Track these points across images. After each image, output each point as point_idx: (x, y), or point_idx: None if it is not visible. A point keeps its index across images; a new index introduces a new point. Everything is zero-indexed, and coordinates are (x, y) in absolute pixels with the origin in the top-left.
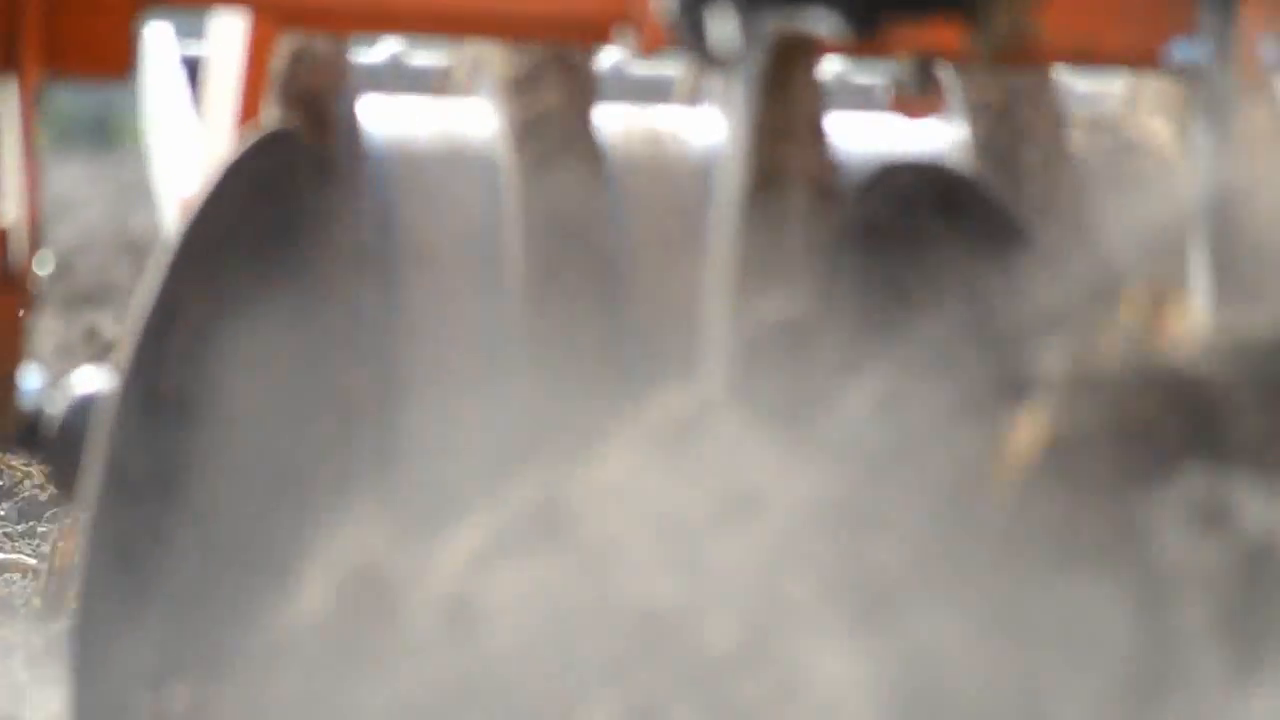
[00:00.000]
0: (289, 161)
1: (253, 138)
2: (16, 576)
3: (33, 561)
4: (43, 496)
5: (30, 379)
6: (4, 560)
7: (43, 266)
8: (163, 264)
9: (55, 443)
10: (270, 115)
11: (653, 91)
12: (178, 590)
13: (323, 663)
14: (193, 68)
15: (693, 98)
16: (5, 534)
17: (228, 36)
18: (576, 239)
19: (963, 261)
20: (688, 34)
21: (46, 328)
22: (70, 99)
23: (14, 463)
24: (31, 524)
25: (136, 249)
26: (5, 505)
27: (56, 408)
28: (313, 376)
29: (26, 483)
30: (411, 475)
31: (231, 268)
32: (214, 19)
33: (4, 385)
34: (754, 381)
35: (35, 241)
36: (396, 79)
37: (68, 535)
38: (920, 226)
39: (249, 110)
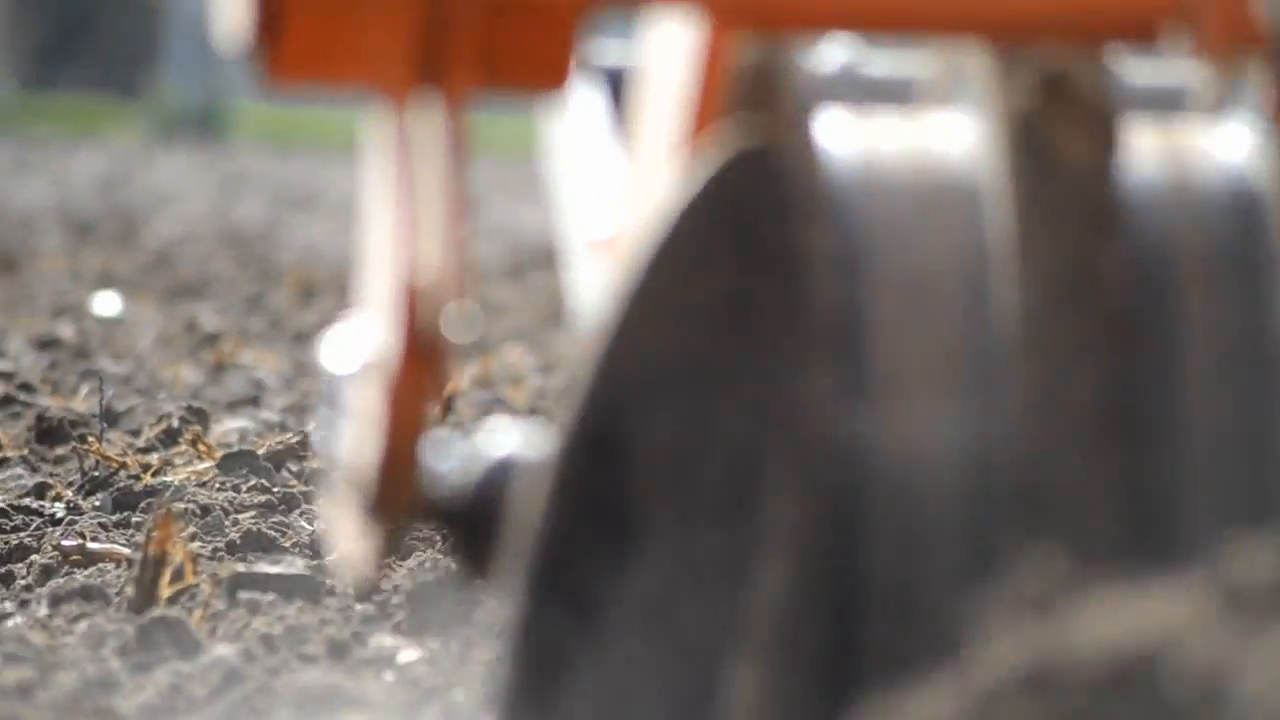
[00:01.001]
0: (762, 193)
1: (718, 164)
2: (110, 566)
3: (127, 551)
4: (137, 487)
5: (437, 453)
6: (98, 549)
7: (464, 330)
8: (614, 313)
9: (465, 518)
10: (728, 136)
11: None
12: (628, 686)
13: None
14: (614, 81)
15: (1217, 108)
16: (100, 524)
17: (666, 44)
18: (1088, 289)
19: None
20: None
21: (146, 319)
22: (174, 90)
23: (109, 453)
24: (126, 514)
25: (237, 241)
26: (100, 495)
27: (465, 476)
28: (772, 443)
29: (122, 473)
30: (883, 578)
31: (693, 317)
32: (647, 24)
33: (402, 462)
34: None
35: (454, 299)
36: (848, 91)
37: (161, 524)
38: None
39: (696, 130)
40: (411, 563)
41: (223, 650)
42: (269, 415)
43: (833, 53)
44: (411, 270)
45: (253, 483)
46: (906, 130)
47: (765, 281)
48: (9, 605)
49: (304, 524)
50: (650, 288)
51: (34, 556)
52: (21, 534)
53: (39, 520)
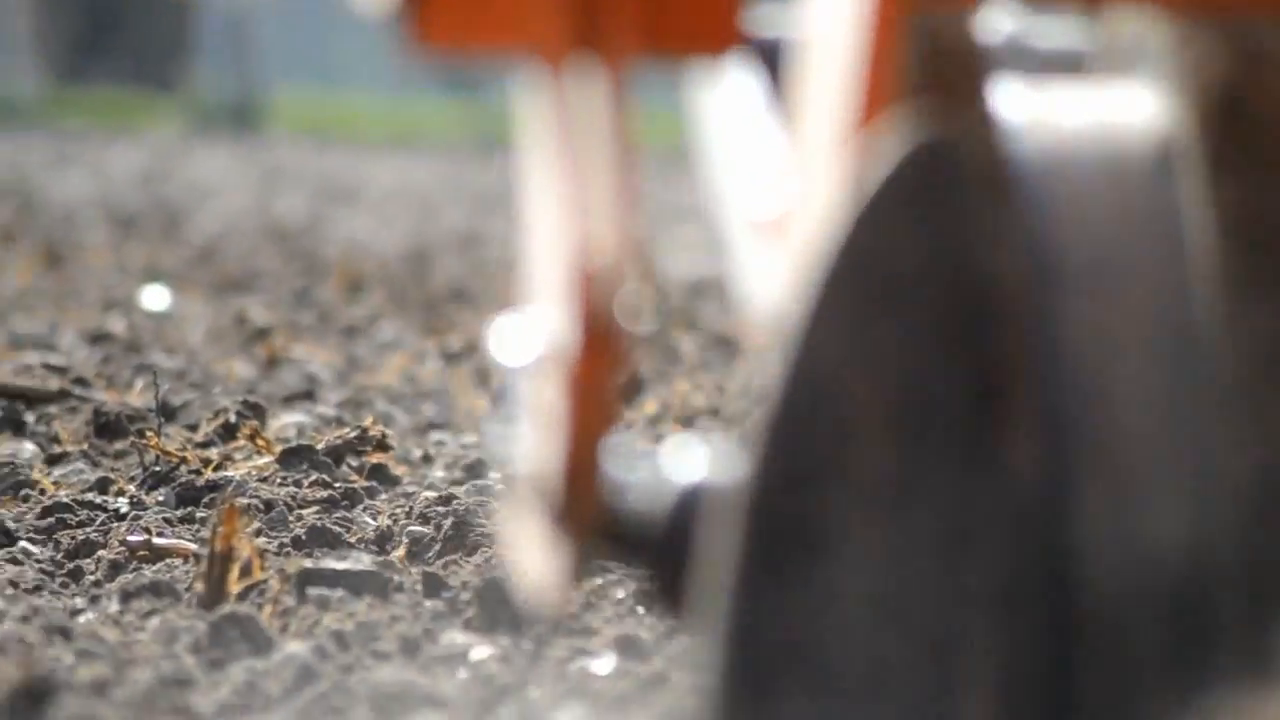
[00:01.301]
0: (949, 189)
1: (900, 156)
2: (178, 561)
3: (193, 546)
4: (199, 482)
5: (619, 462)
6: (164, 545)
7: (639, 315)
8: (800, 323)
9: (656, 545)
10: (908, 122)
11: None
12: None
13: None
14: (770, 51)
15: None
16: (165, 519)
17: (831, 12)
18: None
19: None
20: None
21: (195, 314)
22: (208, 83)
23: (169, 448)
24: (189, 509)
25: (281, 235)
26: (163, 491)
27: (655, 501)
28: (969, 452)
29: (183, 468)
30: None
31: (885, 327)
32: None
33: (583, 472)
34: None
35: (629, 282)
36: (1016, 63)
37: (226, 519)
38: None
39: (868, 106)
40: (478, 558)
41: (295, 647)
42: (325, 410)
43: (999, 22)
44: (583, 253)
45: (314, 478)
46: (1092, 107)
47: (959, 287)
48: (80, 601)
49: (368, 519)
50: (837, 294)
51: (101, 552)
52: (87, 529)
53: (103, 515)
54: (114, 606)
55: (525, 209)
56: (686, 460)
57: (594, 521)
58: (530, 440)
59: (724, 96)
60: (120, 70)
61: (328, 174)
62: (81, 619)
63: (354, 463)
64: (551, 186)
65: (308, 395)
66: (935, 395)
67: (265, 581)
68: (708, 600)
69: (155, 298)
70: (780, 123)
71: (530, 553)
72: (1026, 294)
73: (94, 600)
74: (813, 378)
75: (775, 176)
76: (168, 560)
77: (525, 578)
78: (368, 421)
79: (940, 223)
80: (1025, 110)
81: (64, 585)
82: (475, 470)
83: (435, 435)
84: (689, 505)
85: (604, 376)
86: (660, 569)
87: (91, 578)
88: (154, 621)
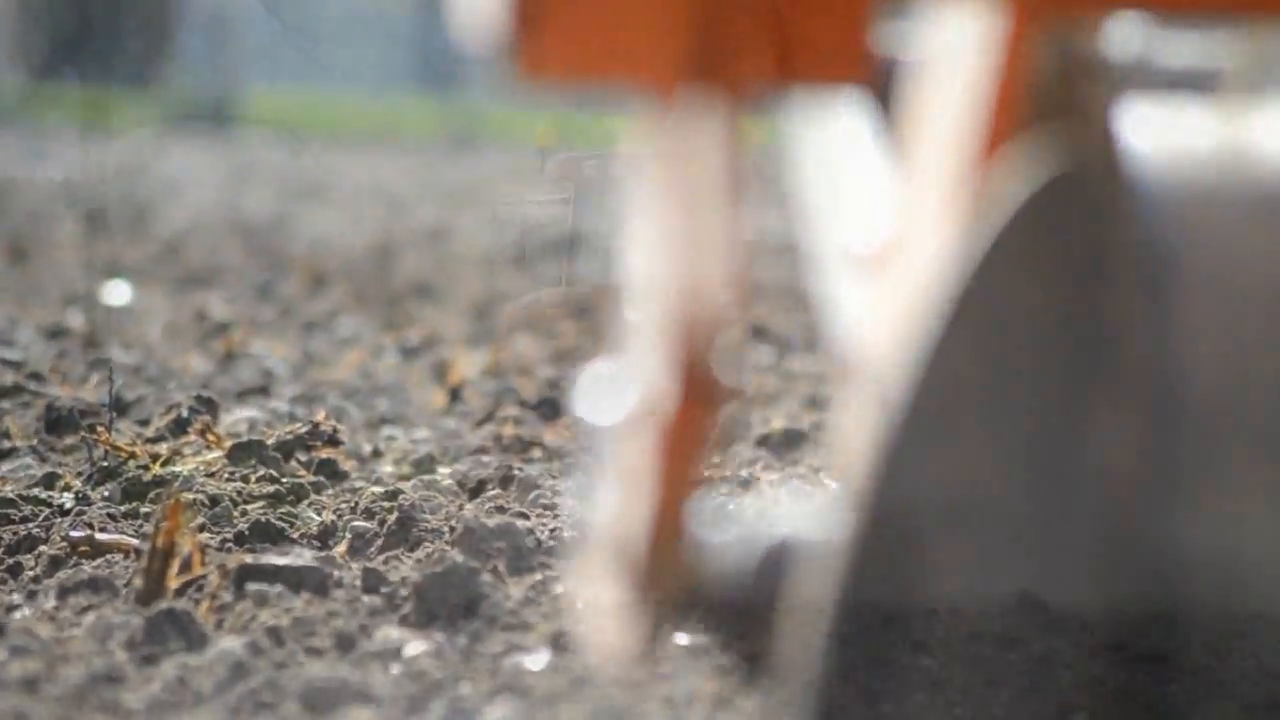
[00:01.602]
0: (1078, 219)
1: (1029, 194)
2: (119, 557)
3: (135, 542)
4: (146, 477)
5: (705, 519)
6: (107, 540)
7: (743, 364)
8: (914, 369)
9: (742, 604)
10: (1035, 154)
11: None
12: None
13: None
14: (877, 75)
15: None
16: (109, 514)
17: (949, 33)
18: None
19: None
20: None
21: (156, 309)
22: (185, 81)
23: (119, 443)
24: (135, 504)
25: (247, 231)
26: (109, 486)
27: (741, 557)
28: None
29: (131, 463)
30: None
31: (1009, 360)
32: (923, 9)
33: (668, 529)
34: None
35: (734, 332)
36: (1144, 82)
37: (170, 515)
38: None
39: (994, 136)
40: (420, 554)
41: (230, 643)
42: (278, 405)
43: (1125, 40)
44: (686, 299)
45: (261, 473)
46: (1225, 133)
47: (1087, 328)
48: (17, 597)
49: (312, 515)
50: (957, 342)
51: (42, 547)
52: (30, 525)
53: (47, 511)
54: (51, 602)
55: (624, 249)
56: (775, 517)
57: (678, 585)
58: (614, 498)
59: (825, 120)
60: (98, 67)
61: (300, 170)
62: (17, 615)
63: (303, 458)
64: (655, 225)
65: (262, 390)
66: (1063, 440)
67: (205, 577)
68: (798, 667)
69: (116, 293)
70: (888, 149)
71: (609, 614)
72: (1155, 334)
73: (31, 596)
74: (933, 424)
75: (880, 206)
76: (108, 556)
77: (602, 639)
78: (319, 416)
79: (1068, 263)
80: (1156, 137)
81: (1, 581)
82: (423, 465)
83: (387, 430)
84: (777, 564)
85: (698, 434)
86: (746, 632)
87: (30, 573)
88: (90, 617)
